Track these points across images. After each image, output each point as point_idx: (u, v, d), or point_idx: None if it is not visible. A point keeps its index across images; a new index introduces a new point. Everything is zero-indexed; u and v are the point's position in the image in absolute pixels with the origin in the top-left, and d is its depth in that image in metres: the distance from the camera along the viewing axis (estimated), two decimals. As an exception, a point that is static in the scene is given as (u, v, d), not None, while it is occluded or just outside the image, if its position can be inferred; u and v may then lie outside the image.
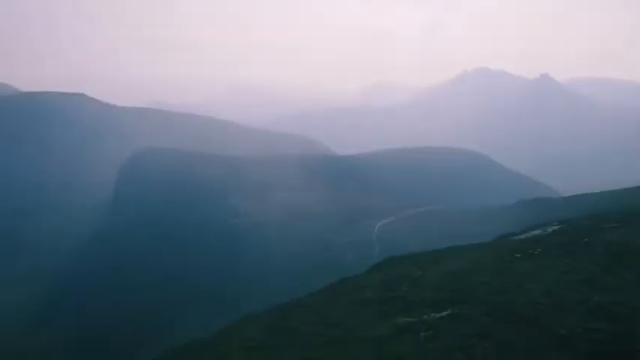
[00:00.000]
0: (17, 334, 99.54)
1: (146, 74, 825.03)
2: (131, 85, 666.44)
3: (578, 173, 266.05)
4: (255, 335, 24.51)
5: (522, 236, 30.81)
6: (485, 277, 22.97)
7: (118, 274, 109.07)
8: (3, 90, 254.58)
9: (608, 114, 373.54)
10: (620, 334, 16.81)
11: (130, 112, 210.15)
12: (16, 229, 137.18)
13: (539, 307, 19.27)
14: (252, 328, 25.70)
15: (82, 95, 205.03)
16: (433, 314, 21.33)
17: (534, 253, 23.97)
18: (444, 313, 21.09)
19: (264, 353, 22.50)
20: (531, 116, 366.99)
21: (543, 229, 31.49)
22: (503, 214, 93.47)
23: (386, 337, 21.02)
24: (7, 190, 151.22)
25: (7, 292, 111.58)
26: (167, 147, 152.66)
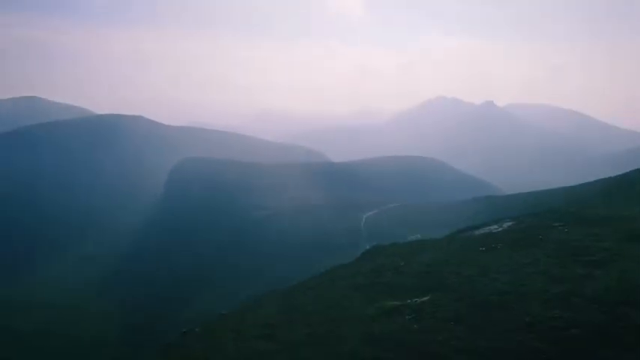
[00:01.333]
0: (92, 294, 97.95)
1: (190, 100, 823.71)
2: (178, 108, 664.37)
3: (514, 175, 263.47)
4: (268, 313, 22.37)
5: (482, 230, 28.50)
6: (457, 267, 20.81)
7: (166, 253, 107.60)
8: (82, 112, 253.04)
9: (537, 131, 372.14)
10: (578, 320, 14.69)
11: (176, 129, 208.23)
12: (90, 221, 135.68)
13: (505, 296, 17.12)
14: (265, 307, 23.60)
15: (140, 117, 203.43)
16: (415, 299, 19.22)
17: (496, 247, 21.76)
18: (425, 299, 18.98)
19: (274, 329, 20.45)
20: (478, 133, 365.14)
21: (499, 224, 29.16)
22: (462, 208, 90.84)
23: (376, 317, 18.92)
24: (87, 192, 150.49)
25: (78, 267, 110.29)
26: (204, 157, 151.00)
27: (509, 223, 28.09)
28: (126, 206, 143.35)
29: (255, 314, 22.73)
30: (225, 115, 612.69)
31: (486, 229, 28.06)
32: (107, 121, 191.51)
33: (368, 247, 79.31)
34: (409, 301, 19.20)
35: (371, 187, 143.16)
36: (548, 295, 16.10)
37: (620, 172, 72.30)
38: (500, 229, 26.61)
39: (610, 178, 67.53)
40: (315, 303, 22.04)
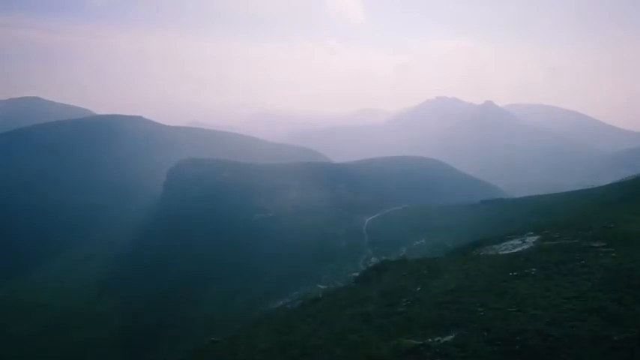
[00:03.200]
0: (92, 295, 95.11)
1: (190, 100, 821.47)
2: (177, 109, 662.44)
3: (513, 175, 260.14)
4: (263, 348, 19.08)
5: (504, 247, 25.05)
6: (484, 297, 17.36)
7: (165, 254, 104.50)
8: (82, 112, 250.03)
9: (536, 131, 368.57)
10: (655, 384, 11.31)
11: (175, 130, 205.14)
12: (90, 221, 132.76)
13: (551, 341, 13.66)
14: (261, 339, 20.28)
15: (140, 117, 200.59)
16: (437, 338, 15.84)
17: (530, 273, 18.30)
18: (449, 338, 15.60)
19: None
20: (478, 133, 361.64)
21: (521, 238, 25.73)
22: (466, 211, 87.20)
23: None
24: (87, 192, 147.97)
25: (78, 267, 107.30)
26: (204, 157, 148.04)
27: (534, 238, 24.65)
28: (125, 206, 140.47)
29: (249, 347, 19.44)
30: (225, 115, 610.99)
31: (509, 245, 24.62)
32: (107, 121, 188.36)
33: (370, 252, 76.14)
34: (430, 340, 15.88)
35: (371, 188, 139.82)
36: (610, 344, 12.72)
37: (619, 172, 69.00)
38: (526, 247, 23.17)
39: (617, 182, 64.48)
40: (317, 336, 18.69)
